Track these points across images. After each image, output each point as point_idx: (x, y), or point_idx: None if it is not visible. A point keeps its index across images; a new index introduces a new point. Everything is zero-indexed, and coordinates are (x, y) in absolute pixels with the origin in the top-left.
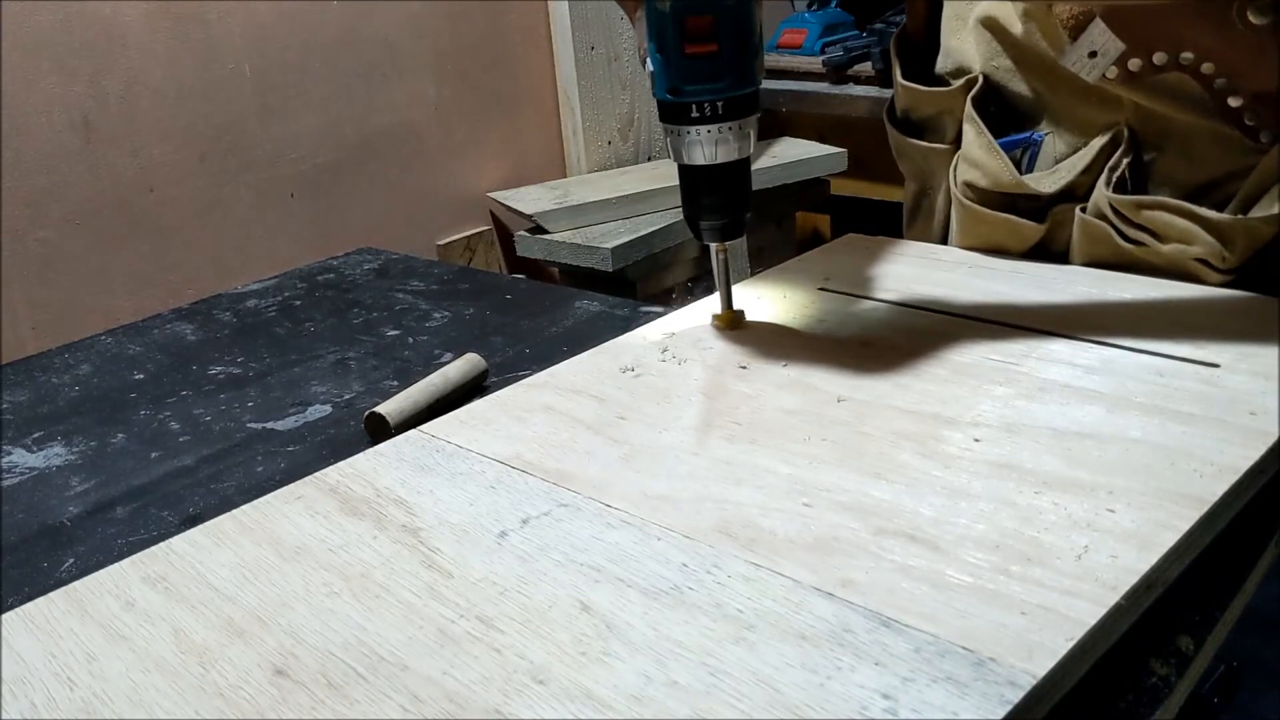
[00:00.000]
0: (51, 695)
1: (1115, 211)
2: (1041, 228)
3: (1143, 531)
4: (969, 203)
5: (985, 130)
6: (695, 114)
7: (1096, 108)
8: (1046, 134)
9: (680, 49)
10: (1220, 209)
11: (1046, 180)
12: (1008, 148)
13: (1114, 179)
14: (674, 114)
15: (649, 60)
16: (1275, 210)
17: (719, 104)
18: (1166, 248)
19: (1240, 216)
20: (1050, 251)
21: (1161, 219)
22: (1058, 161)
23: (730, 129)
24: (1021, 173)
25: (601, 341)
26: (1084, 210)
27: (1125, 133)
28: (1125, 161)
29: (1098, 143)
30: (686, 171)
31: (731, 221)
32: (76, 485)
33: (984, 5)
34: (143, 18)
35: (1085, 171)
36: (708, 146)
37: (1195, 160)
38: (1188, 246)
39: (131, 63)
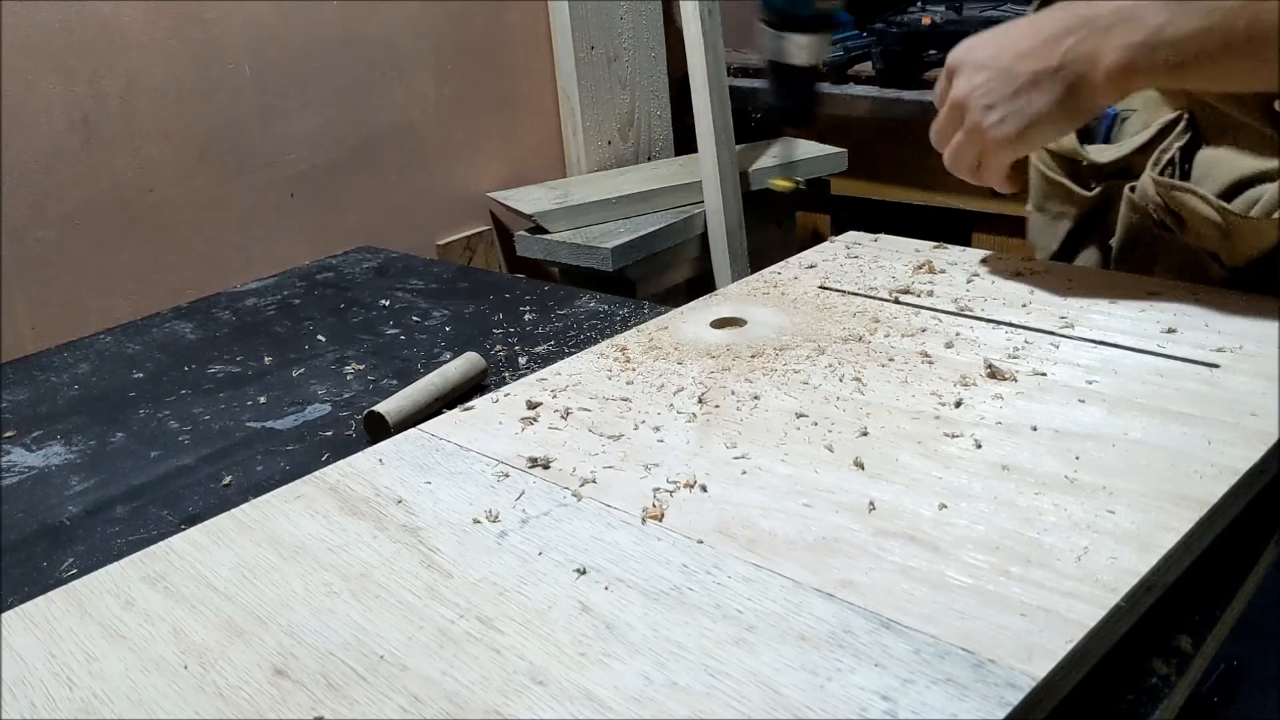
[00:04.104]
0: (51, 695)
1: (1156, 192)
2: (1090, 195)
3: (1143, 533)
4: (1036, 162)
5: None
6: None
7: (1166, 92)
8: (1133, 111)
9: None
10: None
11: (1107, 152)
12: None
13: (1163, 160)
14: (803, 24)
15: None
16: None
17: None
18: (1189, 235)
19: (1250, 217)
20: (1104, 224)
21: (1189, 203)
22: None
23: (825, 39)
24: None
25: (601, 341)
26: (1132, 190)
27: (1185, 119)
28: (1176, 146)
29: (1157, 124)
30: (783, 69)
31: (810, 110)
32: (76, 485)
33: None
34: (142, 18)
35: (1140, 151)
36: (811, 50)
37: (1246, 154)
38: (1204, 234)
39: (131, 63)
